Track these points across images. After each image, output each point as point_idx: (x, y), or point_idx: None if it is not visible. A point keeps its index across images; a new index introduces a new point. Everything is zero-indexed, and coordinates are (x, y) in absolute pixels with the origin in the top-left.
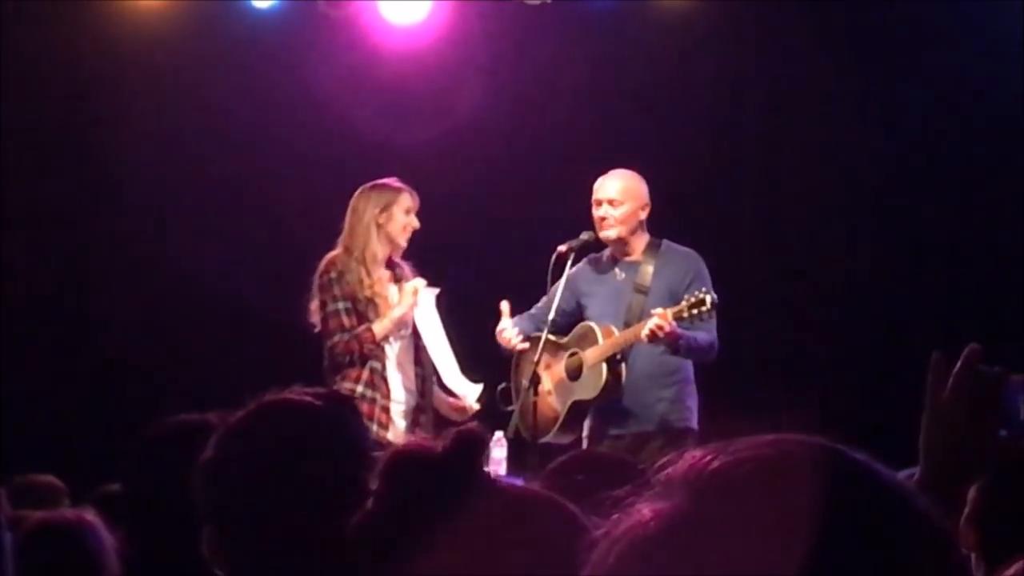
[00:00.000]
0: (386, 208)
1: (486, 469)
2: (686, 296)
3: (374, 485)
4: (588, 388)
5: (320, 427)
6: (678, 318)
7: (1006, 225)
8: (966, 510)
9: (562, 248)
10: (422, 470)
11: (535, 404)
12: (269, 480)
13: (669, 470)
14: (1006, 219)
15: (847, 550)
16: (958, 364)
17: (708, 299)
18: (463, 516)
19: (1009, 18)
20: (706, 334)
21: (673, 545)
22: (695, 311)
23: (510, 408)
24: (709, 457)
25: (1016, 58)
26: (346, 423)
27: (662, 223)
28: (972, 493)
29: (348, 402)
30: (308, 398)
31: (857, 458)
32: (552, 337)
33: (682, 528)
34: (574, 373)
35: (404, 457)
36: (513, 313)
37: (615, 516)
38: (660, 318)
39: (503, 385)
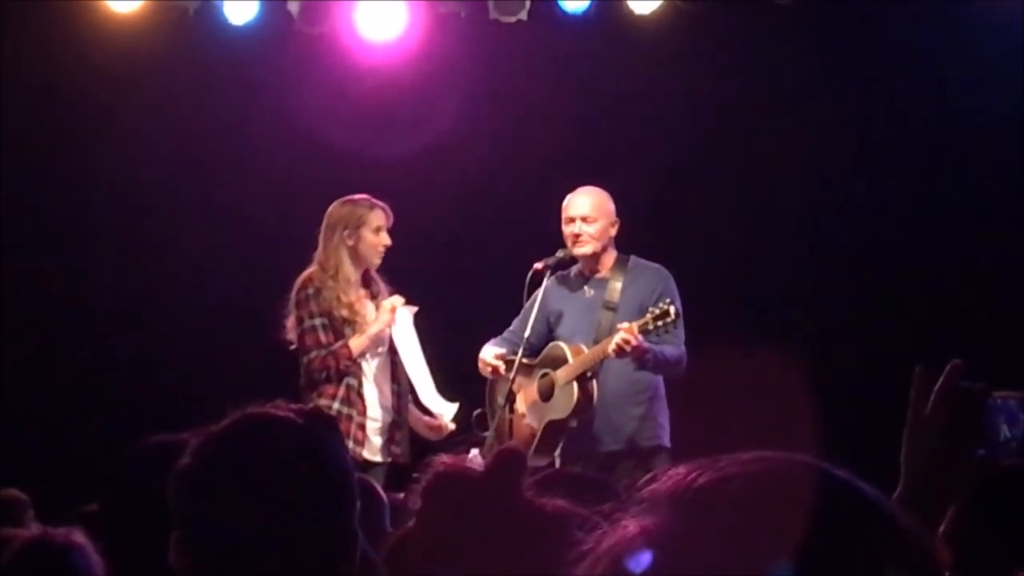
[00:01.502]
0: (356, 228)
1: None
2: (650, 309)
3: (415, 504)
4: (560, 408)
5: (298, 443)
6: (644, 331)
7: (991, 237)
8: (941, 529)
9: (538, 265)
10: (464, 489)
11: (511, 422)
12: (241, 491)
13: (654, 486)
14: (991, 231)
15: (831, 566)
16: (941, 379)
17: (672, 310)
18: (504, 534)
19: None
20: (674, 348)
21: (659, 561)
22: (660, 323)
23: (486, 433)
24: (695, 474)
25: (1001, 69)
26: (325, 442)
27: (639, 236)
28: (949, 513)
29: (330, 421)
30: (290, 414)
31: (841, 475)
32: (524, 360)
33: (668, 544)
34: (546, 394)
35: (446, 476)
36: (488, 338)
37: (601, 531)
38: (626, 332)
39: (479, 411)
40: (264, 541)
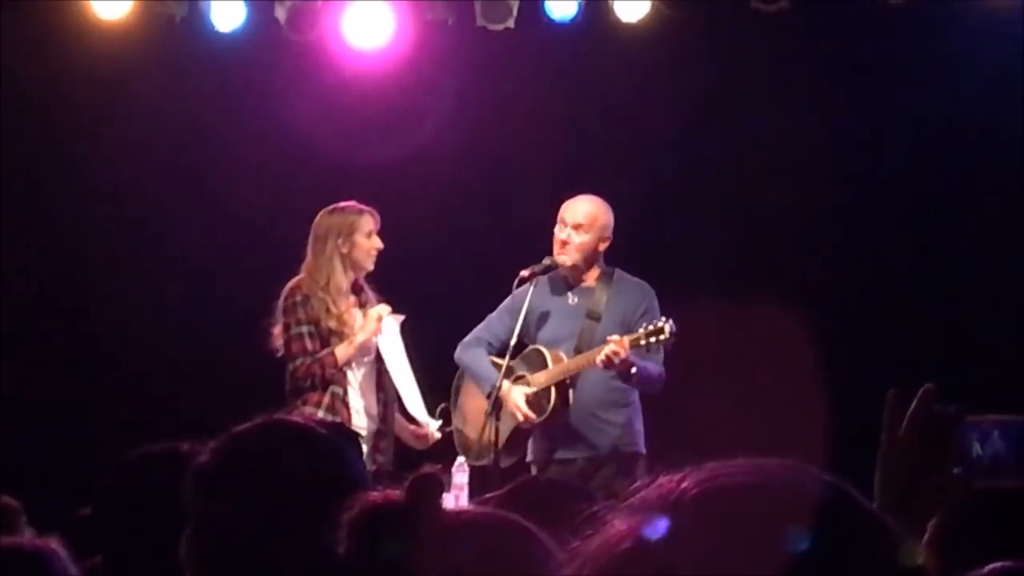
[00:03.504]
0: (348, 235)
1: (448, 505)
2: (644, 324)
3: (342, 546)
4: (535, 412)
5: (318, 452)
6: (635, 345)
7: (985, 246)
8: (925, 537)
9: (524, 273)
10: (387, 524)
11: (496, 430)
12: (258, 493)
13: (642, 493)
14: (972, 250)
15: (822, 570)
16: (913, 404)
17: (667, 327)
18: (432, 562)
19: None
20: (655, 365)
21: (650, 561)
22: (652, 339)
23: (449, 429)
24: (685, 478)
25: (1000, 70)
26: (345, 456)
27: (626, 243)
28: (931, 525)
29: (351, 435)
30: (313, 424)
31: (831, 481)
32: (499, 360)
33: (660, 544)
34: None
35: (369, 513)
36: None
37: (588, 533)
38: (616, 344)
39: (443, 405)
40: (275, 544)
